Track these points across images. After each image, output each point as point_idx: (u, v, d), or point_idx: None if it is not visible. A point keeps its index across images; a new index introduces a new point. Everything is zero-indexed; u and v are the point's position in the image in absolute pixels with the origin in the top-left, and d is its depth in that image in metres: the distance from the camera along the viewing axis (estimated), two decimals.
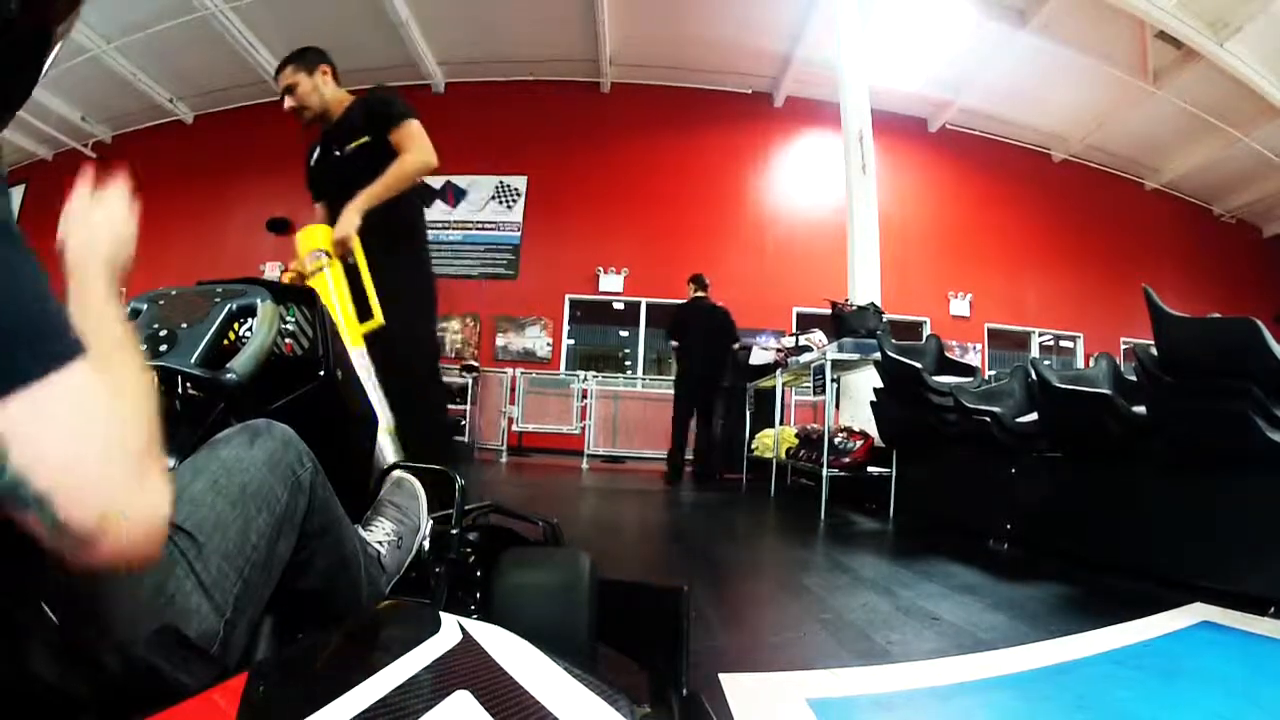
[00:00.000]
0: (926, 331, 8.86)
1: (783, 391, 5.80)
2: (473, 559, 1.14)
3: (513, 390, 8.12)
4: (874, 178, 5.91)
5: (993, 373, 5.31)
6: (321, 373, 0.91)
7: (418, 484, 1.17)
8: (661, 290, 8.93)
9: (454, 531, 1.11)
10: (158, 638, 0.47)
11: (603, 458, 7.84)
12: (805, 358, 4.74)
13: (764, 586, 2.40)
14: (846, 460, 3.86)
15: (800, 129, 9.55)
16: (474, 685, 0.41)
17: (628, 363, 9.34)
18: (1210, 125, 8.80)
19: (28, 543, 0.40)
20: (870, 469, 3.90)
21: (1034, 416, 2.80)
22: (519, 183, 9.17)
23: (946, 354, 3.75)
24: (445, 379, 7.99)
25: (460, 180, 9.24)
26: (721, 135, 9.38)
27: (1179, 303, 2.17)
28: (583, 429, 7.89)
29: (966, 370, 3.57)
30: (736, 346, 6.42)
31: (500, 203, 9.16)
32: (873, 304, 4.18)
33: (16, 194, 10.59)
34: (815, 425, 5.10)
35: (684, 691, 0.87)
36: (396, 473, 1.18)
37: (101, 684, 0.45)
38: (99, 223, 0.58)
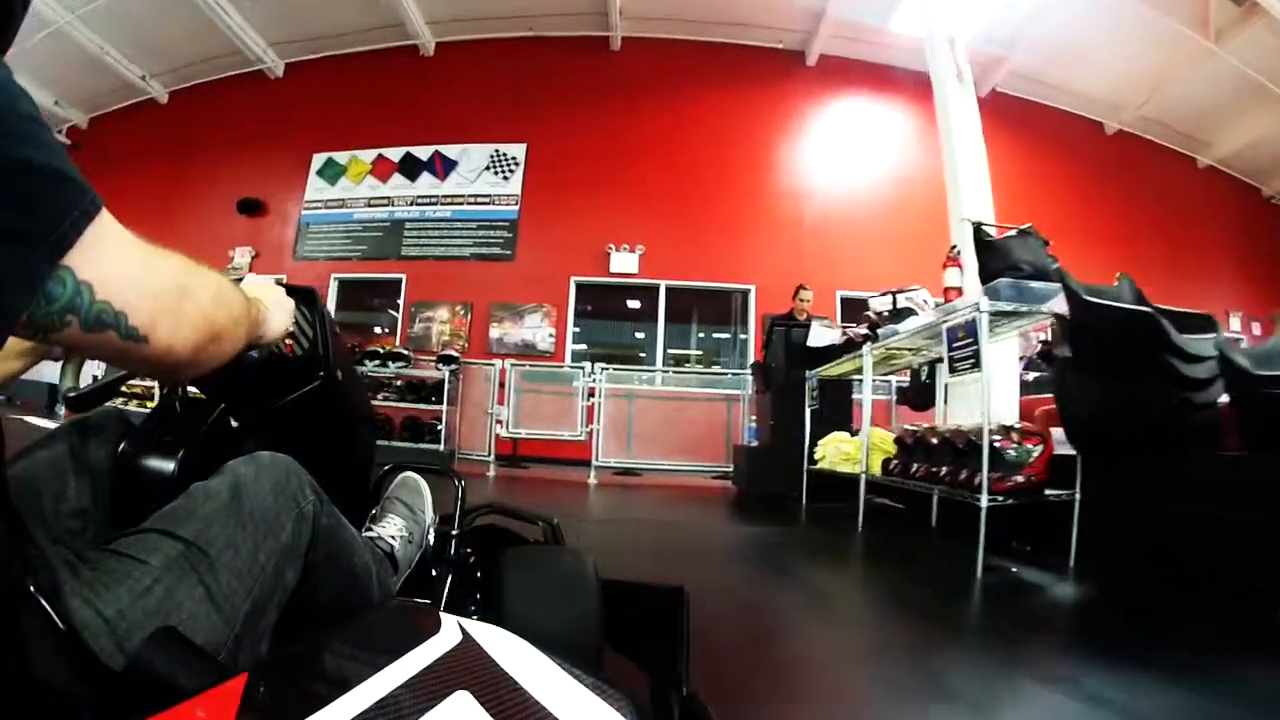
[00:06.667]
0: None
1: (858, 380, 4.62)
2: (473, 559, 1.13)
3: (502, 387, 6.75)
4: (973, 88, 4.88)
5: None
6: (322, 373, 0.89)
7: (422, 481, 1.18)
8: (682, 271, 7.79)
9: (454, 532, 1.12)
10: (158, 637, 0.47)
11: (613, 469, 6.57)
12: (910, 324, 3.48)
13: None
14: (1020, 479, 2.56)
15: (837, 91, 8.44)
16: (474, 685, 0.41)
17: (641, 354, 8.12)
18: (1269, 93, 8.07)
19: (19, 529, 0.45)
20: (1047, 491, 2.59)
21: None
22: (517, 151, 8.11)
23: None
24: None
25: (449, 150, 8.23)
26: (748, 97, 8.24)
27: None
28: (590, 434, 6.58)
29: (1199, 323, 2.29)
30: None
31: (496, 173, 8.09)
32: (1031, 228, 2.93)
33: None
34: (924, 424, 3.75)
35: (684, 691, 0.88)
36: (401, 471, 1.21)
37: (102, 684, 0.45)
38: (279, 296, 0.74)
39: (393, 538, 1.01)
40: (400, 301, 7.96)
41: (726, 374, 7.30)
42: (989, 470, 2.44)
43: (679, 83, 8.21)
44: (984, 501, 2.46)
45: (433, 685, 0.41)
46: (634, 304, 8.21)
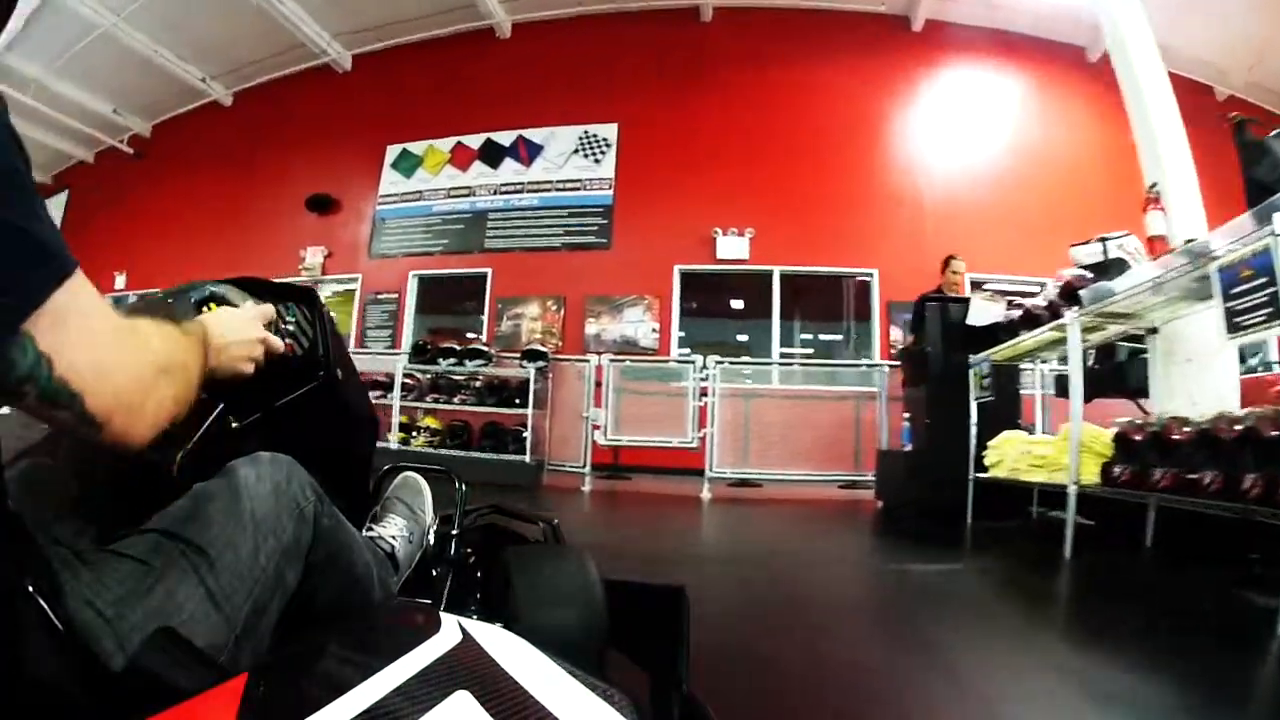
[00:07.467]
0: None
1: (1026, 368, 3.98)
2: (473, 559, 1.12)
3: (599, 387, 6.01)
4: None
5: None
6: (322, 373, 0.90)
7: (422, 480, 1.18)
8: (798, 255, 7.06)
9: (454, 532, 1.11)
10: (157, 638, 0.47)
11: (729, 480, 5.90)
12: (1135, 276, 2.72)
13: None
14: None
15: (949, 59, 7.66)
16: (474, 685, 0.41)
17: (743, 355, 7.44)
18: None
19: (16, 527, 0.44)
20: None
21: None
22: (608, 131, 7.49)
23: None
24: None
25: (534, 134, 7.65)
26: (852, 66, 7.52)
27: None
28: (702, 440, 5.91)
29: None
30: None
31: (586, 156, 7.48)
32: None
33: (59, 201, 9.46)
34: (1159, 415, 2.98)
35: (684, 691, 0.87)
36: (401, 472, 1.20)
37: (101, 684, 0.45)
38: (243, 323, 0.70)
39: (393, 538, 1.01)
40: (486, 298, 7.41)
41: (861, 364, 6.57)
42: None
43: (777, 52, 7.51)
44: None
45: (433, 685, 0.40)
46: (737, 304, 7.53)
